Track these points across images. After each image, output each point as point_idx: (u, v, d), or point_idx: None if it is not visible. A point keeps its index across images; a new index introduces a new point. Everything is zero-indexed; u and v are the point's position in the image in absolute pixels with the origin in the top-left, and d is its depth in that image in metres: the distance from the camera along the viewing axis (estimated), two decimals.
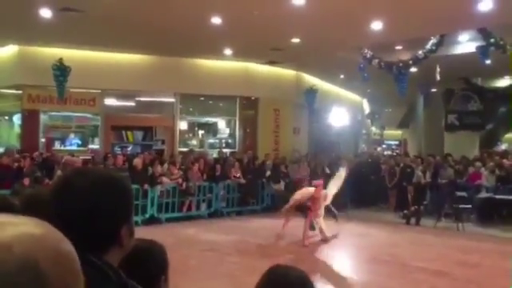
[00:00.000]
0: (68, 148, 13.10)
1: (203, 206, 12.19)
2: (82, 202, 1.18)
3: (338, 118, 18.15)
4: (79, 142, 13.62)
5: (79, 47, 12.27)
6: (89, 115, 13.73)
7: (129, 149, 13.94)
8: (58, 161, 10.83)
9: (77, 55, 12.35)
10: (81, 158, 11.32)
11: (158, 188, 11.20)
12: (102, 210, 1.19)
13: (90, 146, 13.52)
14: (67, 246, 0.73)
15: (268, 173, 13.49)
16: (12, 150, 11.19)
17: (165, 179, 11.44)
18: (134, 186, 10.65)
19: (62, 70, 11.54)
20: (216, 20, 9.58)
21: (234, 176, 12.68)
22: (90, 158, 11.98)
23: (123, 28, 10.38)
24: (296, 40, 11.24)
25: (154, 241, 1.70)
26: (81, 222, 1.16)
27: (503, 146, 22.20)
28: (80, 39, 11.47)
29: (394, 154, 21.52)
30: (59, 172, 9.83)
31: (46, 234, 0.70)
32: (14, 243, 0.65)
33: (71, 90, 12.39)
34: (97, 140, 13.65)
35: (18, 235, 0.67)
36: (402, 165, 14.08)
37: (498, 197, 11.66)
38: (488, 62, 11.30)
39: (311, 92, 15.52)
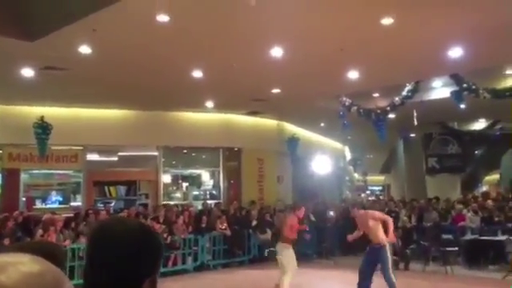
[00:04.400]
0: (49, 206, 12.86)
1: (189, 260, 11.94)
2: (118, 249, 1.24)
3: (321, 166, 18.28)
4: (61, 200, 13.40)
5: (61, 105, 12.32)
6: (71, 172, 13.60)
7: (112, 204, 13.75)
8: (39, 220, 10.60)
9: (58, 112, 12.37)
10: (63, 215, 11.10)
11: None
12: (134, 260, 1.24)
13: (72, 204, 13.30)
14: (66, 281, 0.75)
15: (254, 222, 13.38)
16: None
17: None
18: None
19: (43, 128, 11.53)
20: (197, 73, 9.78)
21: (220, 228, 12.54)
22: (72, 215, 11.75)
23: (105, 84, 10.49)
24: (276, 90, 11.49)
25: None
26: (113, 267, 1.22)
27: (484, 188, 22.51)
28: (62, 97, 11.54)
29: (378, 198, 21.60)
30: (40, 231, 9.61)
31: (44, 271, 0.72)
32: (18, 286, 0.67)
33: (53, 147, 12.32)
34: (79, 197, 13.46)
35: (20, 278, 0.69)
36: (386, 210, 14.13)
37: (483, 238, 11.70)
38: (463, 106, 11.65)
39: (293, 140, 15.71)
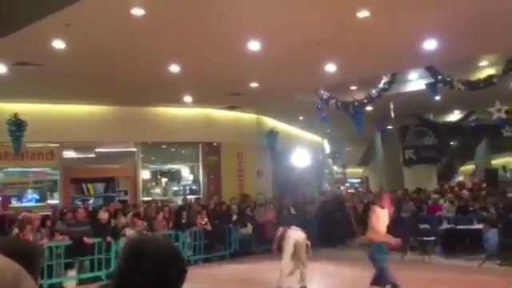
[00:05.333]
0: (25, 204, 12.63)
1: None
2: (149, 267, 1.37)
3: (300, 159, 18.38)
4: (37, 198, 13.18)
5: (35, 101, 12.10)
6: (47, 169, 13.37)
7: (90, 201, 13.57)
8: (15, 219, 10.40)
9: (33, 109, 12.14)
10: (39, 214, 10.92)
11: (122, 240, 10.87)
12: (163, 276, 1.39)
13: (49, 202, 13.09)
14: (26, 278, 0.74)
15: (234, 217, 13.38)
16: None
17: (128, 230, 11.14)
18: (97, 240, 10.34)
19: (17, 125, 11.28)
20: (174, 68, 9.70)
21: (200, 223, 12.50)
22: (49, 213, 11.57)
23: (80, 80, 10.34)
24: (254, 84, 11.48)
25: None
26: (141, 283, 1.35)
27: (460, 178, 22.94)
28: (36, 93, 11.33)
29: (357, 191, 21.83)
30: (16, 230, 9.43)
31: (4, 267, 0.71)
32: None
33: (28, 144, 12.10)
34: (56, 194, 13.25)
35: None
36: (365, 201, 14.30)
37: (459, 227, 11.93)
38: (438, 97, 11.83)
39: (272, 134, 15.74)
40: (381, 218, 7.19)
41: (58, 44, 7.91)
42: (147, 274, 1.36)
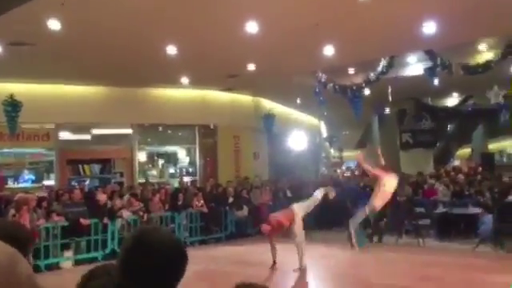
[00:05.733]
0: (22, 185, 12.63)
1: None
2: (153, 258, 1.38)
3: (297, 142, 18.36)
4: (33, 179, 13.16)
5: (31, 81, 11.99)
6: (43, 150, 13.32)
7: (86, 183, 13.57)
8: (11, 200, 10.40)
9: (29, 89, 12.05)
10: (36, 194, 10.91)
11: (119, 221, 10.91)
12: (166, 268, 1.41)
13: (45, 182, 13.08)
14: (21, 261, 0.72)
15: (230, 199, 13.42)
16: None
17: (125, 212, 11.17)
18: (94, 221, 10.37)
19: (13, 106, 11.19)
20: (171, 49, 9.60)
21: (196, 205, 12.53)
22: (45, 194, 11.57)
23: (76, 60, 10.23)
24: (252, 66, 11.39)
25: None
26: (145, 273, 1.36)
27: (456, 162, 23.01)
28: (32, 73, 11.22)
29: (353, 174, 21.88)
30: (12, 211, 9.43)
31: None
32: None
33: (23, 125, 12.03)
34: (52, 176, 13.23)
35: None
36: (362, 184, 14.35)
37: (454, 211, 11.99)
38: (436, 82, 11.78)
39: (269, 117, 15.69)
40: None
41: (53, 24, 7.79)
42: (150, 265, 1.38)
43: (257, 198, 13.72)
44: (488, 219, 10.61)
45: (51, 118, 12.51)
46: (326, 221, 13.97)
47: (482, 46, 11.54)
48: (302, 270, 8.55)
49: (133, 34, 8.64)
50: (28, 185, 12.75)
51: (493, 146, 22.80)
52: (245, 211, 13.18)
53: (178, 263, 1.45)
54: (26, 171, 13.24)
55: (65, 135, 13.42)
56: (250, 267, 9.16)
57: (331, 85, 12.64)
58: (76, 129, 13.68)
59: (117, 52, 9.70)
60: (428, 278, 7.90)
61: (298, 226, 8.73)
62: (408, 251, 10.47)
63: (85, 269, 1.68)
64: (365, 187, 14.12)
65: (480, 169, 15.79)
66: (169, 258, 1.42)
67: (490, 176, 13.84)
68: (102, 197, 11.17)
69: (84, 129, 13.70)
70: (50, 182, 13.10)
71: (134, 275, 1.36)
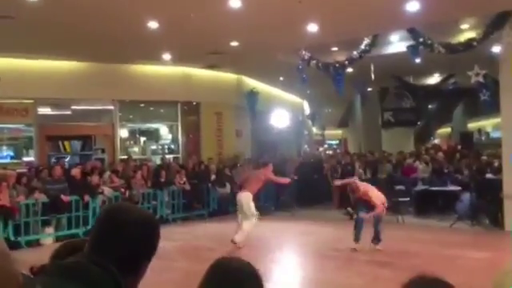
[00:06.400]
0: (0, 161, 12.43)
1: None
2: (124, 235, 1.38)
3: (280, 120, 18.36)
4: (12, 155, 12.96)
5: (9, 55, 11.69)
6: (21, 126, 13.10)
7: (66, 159, 13.42)
8: None
9: (6, 63, 11.78)
10: (16, 171, 10.78)
11: (100, 198, 10.85)
12: (138, 244, 1.40)
13: (25, 159, 12.90)
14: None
15: (213, 177, 13.43)
16: None
17: (106, 188, 11.11)
18: (74, 198, 10.30)
19: None
20: (152, 24, 9.44)
21: (179, 182, 12.53)
22: (25, 170, 11.42)
23: (56, 34, 9.99)
24: (235, 43, 11.28)
25: None
26: (117, 250, 1.36)
27: (436, 141, 23.35)
28: (9, 47, 10.92)
29: (335, 152, 22.08)
30: None
31: None
32: None
33: (1, 100, 11.78)
34: (32, 152, 13.05)
35: None
36: (343, 163, 14.51)
37: (433, 188, 12.23)
38: (418, 60, 11.82)
39: (252, 95, 15.64)
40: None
41: None
42: (120, 241, 1.37)
43: (239, 175, 13.75)
44: (466, 197, 10.84)
45: (30, 93, 12.25)
46: (308, 198, 14.14)
47: (465, 25, 11.59)
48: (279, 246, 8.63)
49: (114, 7, 8.46)
50: (7, 161, 12.56)
51: (472, 125, 23.19)
52: (227, 189, 13.22)
53: (150, 239, 1.43)
54: (4, 147, 13.02)
55: (44, 111, 13.19)
56: (231, 244, 9.24)
57: (314, 62, 12.60)
58: (56, 104, 13.44)
59: (97, 27, 9.49)
60: (405, 254, 8.10)
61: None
62: (387, 228, 10.62)
63: None
64: (346, 165, 14.28)
65: (459, 147, 16.04)
66: (139, 234, 1.40)
67: (468, 154, 14.08)
68: (75, 172, 11.07)
69: (64, 104, 13.46)
70: (29, 158, 12.92)
71: (105, 251, 1.34)
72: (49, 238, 10.00)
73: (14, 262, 1.27)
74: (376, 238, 8.40)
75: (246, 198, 8.75)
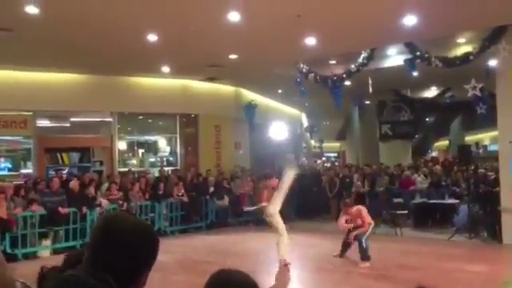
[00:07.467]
0: None
1: None
2: (121, 245, 1.36)
3: (278, 132, 18.38)
4: (10, 167, 12.94)
5: (8, 67, 11.75)
6: (20, 138, 13.10)
7: (65, 172, 13.39)
8: None
9: (6, 76, 11.83)
10: (13, 182, 10.76)
11: (97, 210, 10.83)
12: (136, 254, 1.39)
13: (23, 171, 12.88)
14: None
15: (211, 189, 13.43)
16: None
17: (104, 201, 11.09)
18: (72, 210, 10.28)
19: None
20: (152, 37, 9.51)
21: (177, 194, 12.51)
22: (22, 182, 11.40)
23: (55, 46, 10.06)
24: (233, 56, 11.36)
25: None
26: (115, 260, 1.35)
27: (433, 153, 23.39)
28: (9, 59, 11.00)
29: (333, 165, 22.07)
30: None
31: None
32: None
33: (0, 112, 11.80)
34: (30, 164, 13.03)
35: None
36: (341, 175, 14.52)
37: (431, 201, 12.23)
38: (415, 73, 11.91)
39: (250, 107, 15.70)
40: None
41: (31, 9, 7.63)
42: (117, 252, 1.36)
43: (237, 187, 13.76)
44: (464, 209, 10.84)
45: (29, 105, 12.28)
46: (307, 211, 14.13)
47: (461, 39, 11.70)
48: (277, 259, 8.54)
49: (113, 21, 8.52)
50: (5, 173, 12.54)
51: (469, 138, 23.26)
52: (225, 201, 13.21)
53: (148, 247, 1.43)
54: (2, 159, 13.01)
55: (43, 123, 13.21)
56: (229, 256, 9.21)
57: (312, 75, 12.67)
58: (54, 116, 13.46)
59: (97, 39, 9.56)
60: (404, 267, 8.06)
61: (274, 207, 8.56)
62: (386, 240, 10.64)
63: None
64: (344, 178, 14.31)
65: (457, 160, 16.09)
66: (137, 242, 1.39)
67: (466, 167, 14.12)
68: (73, 185, 11.05)
69: (63, 116, 13.49)
70: (27, 170, 12.90)
71: (104, 262, 1.34)
72: (46, 251, 9.96)
73: (11, 271, 1.28)
74: (365, 258, 8.23)
75: (270, 211, 8.45)
